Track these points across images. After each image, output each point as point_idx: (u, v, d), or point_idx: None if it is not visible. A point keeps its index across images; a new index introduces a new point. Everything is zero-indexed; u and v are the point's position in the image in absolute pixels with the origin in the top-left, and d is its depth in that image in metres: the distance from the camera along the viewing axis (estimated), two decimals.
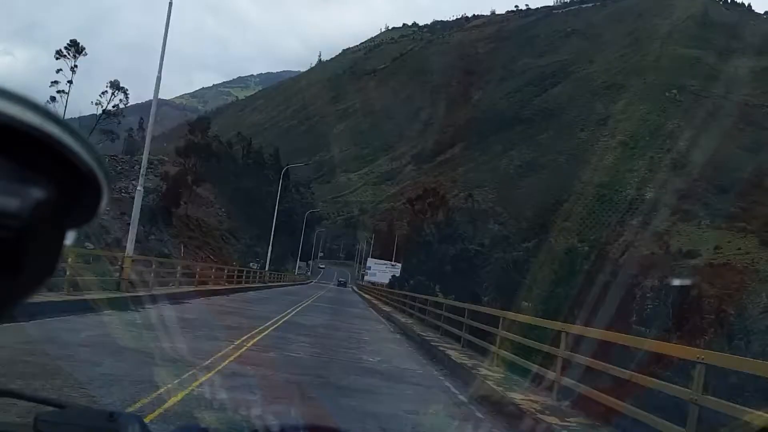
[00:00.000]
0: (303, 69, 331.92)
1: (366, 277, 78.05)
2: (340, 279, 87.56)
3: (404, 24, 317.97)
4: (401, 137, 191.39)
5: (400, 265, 72.19)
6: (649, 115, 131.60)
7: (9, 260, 0.50)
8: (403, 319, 21.42)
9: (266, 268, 45.54)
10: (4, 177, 0.49)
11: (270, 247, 45.19)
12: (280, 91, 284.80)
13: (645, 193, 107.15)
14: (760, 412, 4.65)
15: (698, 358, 5.35)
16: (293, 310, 20.67)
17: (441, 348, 12.83)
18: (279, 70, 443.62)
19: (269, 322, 14.63)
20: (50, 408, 1.27)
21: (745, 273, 64.21)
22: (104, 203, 0.57)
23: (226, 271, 31.34)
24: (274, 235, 45.85)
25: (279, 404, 5.89)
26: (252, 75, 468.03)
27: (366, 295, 46.82)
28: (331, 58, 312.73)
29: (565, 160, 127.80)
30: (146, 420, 1.24)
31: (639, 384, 6.35)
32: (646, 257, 65.24)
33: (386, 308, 29.19)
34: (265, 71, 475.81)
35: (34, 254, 0.52)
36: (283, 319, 16.28)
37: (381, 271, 73.64)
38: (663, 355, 7.20)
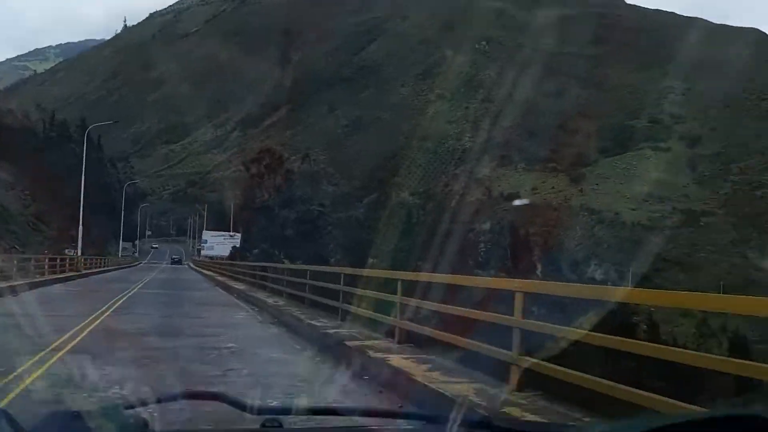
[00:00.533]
0: (108, 37, 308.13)
1: (203, 252, 74.51)
2: (174, 257, 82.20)
3: None
4: (223, 103, 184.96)
5: (239, 235, 69.86)
6: (462, 67, 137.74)
7: None
8: (269, 300, 16.83)
9: (80, 254, 38.53)
10: None
11: (81, 228, 38.17)
12: (83, 62, 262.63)
13: (466, 143, 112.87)
14: (572, 328, 5.52)
15: (516, 288, 6.06)
16: (111, 306, 14.90)
17: (294, 314, 13.10)
18: (80, 40, 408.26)
19: (62, 340, 8.75)
20: None
21: (560, 210, 70.22)
22: None
23: (32, 262, 26.89)
24: (90, 214, 41.26)
25: None
26: (50, 46, 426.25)
27: (207, 272, 43.72)
28: (138, 23, 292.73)
29: (389, 116, 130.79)
30: None
31: (477, 319, 7.00)
32: (474, 203, 68.89)
33: (238, 285, 25.46)
34: (65, 41, 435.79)
35: None
36: (90, 328, 10.50)
37: (219, 244, 70.46)
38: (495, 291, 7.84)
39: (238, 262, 40.68)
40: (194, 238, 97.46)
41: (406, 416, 1.04)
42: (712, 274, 65.70)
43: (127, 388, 5.48)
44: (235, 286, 25.00)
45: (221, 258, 59.96)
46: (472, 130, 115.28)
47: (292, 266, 24.26)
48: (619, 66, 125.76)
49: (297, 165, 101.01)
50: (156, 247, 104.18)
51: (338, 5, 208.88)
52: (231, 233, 71.92)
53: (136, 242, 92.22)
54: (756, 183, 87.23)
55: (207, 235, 77.76)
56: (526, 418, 4.52)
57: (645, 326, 28.59)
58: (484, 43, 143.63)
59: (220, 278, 33.30)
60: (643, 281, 48.66)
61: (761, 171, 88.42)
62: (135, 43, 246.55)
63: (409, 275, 9.61)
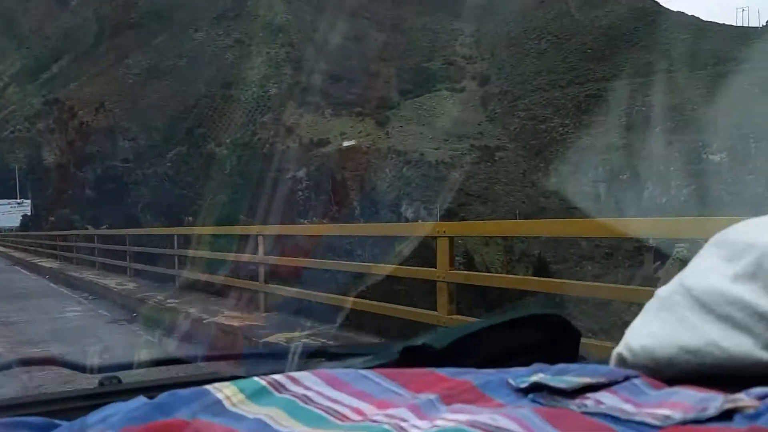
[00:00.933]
0: None
1: None
2: None
3: None
4: None
5: (29, 201, 63.12)
6: (260, 11, 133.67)
7: None
8: (99, 281, 13.03)
9: None
10: None
11: None
12: None
13: (270, 90, 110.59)
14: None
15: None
16: None
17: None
18: None
19: None
20: None
21: (369, 153, 71.74)
22: None
23: None
24: None
25: None
26: None
27: None
28: None
29: (185, 63, 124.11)
30: None
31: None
32: (286, 151, 68.33)
33: (45, 262, 20.15)
34: None
35: None
36: None
37: (5, 213, 61.58)
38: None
39: (32, 233, 36.56)
40: None
41: (248, 357, 1.09)
42: (508, 204, 71.43)
43: None
44: (43, 264, 19.77)
45: (10, 230, 53.67)
46: (275, 77, 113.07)
47: (106, 232, 22.26)
48: (413, 8, 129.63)
49: (90, 119, 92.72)
50: None
51: None
52: (19, 200, 64.63)
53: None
54: (540, 117, 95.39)
55: None
56: None
57: (462, 258, 30.13)
58: None
59: (16, 255, 28.04)
60: (449, 215, 51.63)
61: (543, 106, 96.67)
62: None
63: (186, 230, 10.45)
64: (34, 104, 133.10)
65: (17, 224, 55.38)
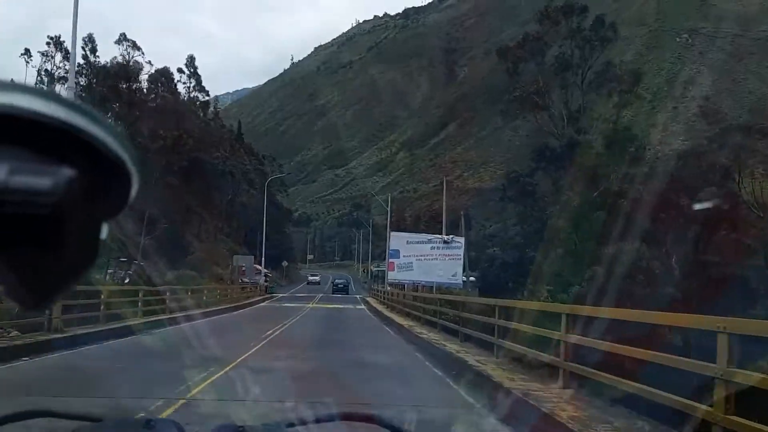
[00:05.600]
0: (275, 74, 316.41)
1: (392, 275, 39.44)
2: (338, 281, 63.04)
3: (375, 16, 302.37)
4: (387, 125, 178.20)
5: (462, 240, 40.04)
6: (662, 63, 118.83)
7: (51, 236, 0.52)
8: None
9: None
10: (35, 160, 0.52)
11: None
12: (253, 98, 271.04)
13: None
14: None
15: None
16: None
17: None
18: (255, 86, 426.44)
19: None
20: (87, 423, 1.25)
21: None
22: (134, 191, 0.58)
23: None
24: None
25: None
26: (227, 92, 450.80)
27: (412, 321, 21.74)
28: (303, 58, 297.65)
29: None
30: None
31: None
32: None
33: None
34: (241, 87, 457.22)
35: (73, 233, 0.53)
36: None
37: (426, 258, 37.31)
38: None
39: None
40: (359, 260, 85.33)
41: None
42: None
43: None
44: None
45: (424, 288, 36.70)
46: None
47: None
48: None
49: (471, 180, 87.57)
50: (316, 277, 77.42)
51: (509, 16, 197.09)
52: (447, 237, 38.95)
53: (284, 263, 74.08)
54: None
55: (398, 239, 40.52)
56: None
57: None
58: (685, 36, 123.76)
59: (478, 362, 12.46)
60: None
61: None
62: (300, 76, 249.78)
63: None
64: (420, 168, 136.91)
65: (448, 281, 36.65)
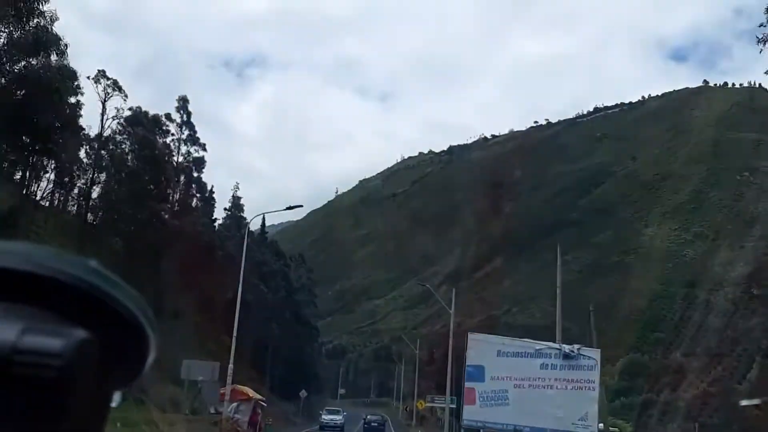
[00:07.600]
0: (318, 206, 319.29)
1: (471, 412, 20.73)
2: (371, 419, 54.38)
3: (420, 153, 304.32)
4: (429, 258, 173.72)
5: (597, 355, 20.91)
6: (723, 201, 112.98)
7: (53, 405, 0.48)
8: None
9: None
10: (51, 320, 0.50)
11: None
12: (296, 228, 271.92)
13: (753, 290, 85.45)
14: None
15: None
16: None
17: None
18: (299, 218, 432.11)
19: None
20: None
21: None
22: (151, 358, 0.55)
23: None
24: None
25: None
26: (272, 224, 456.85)
27: None
28: (348, 190, 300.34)
29: (633, 259, 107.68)
30: None
31: None
32: None
33: None
34: (286, 220, 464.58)
35: (79, 404, 0.49)
36: None
37: (532, 385, 19.98)
38: None
39: None
40: (401, 399, 76.95)
41: None
42: None
43: None
44: None
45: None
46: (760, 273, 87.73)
47: None
48: None
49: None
50: (342, 413, 53.24)
51: (555, 155, 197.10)
52: (569, 347, 20.61)
53: (302, 393, 58.84)
54: None
55: (485, 349, 21.15)
56: None
57: None
58: (746, 173, 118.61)
59: None
60: None
61: None
62: (344, 206, 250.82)
63: None
64: (465, 301, 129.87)
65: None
